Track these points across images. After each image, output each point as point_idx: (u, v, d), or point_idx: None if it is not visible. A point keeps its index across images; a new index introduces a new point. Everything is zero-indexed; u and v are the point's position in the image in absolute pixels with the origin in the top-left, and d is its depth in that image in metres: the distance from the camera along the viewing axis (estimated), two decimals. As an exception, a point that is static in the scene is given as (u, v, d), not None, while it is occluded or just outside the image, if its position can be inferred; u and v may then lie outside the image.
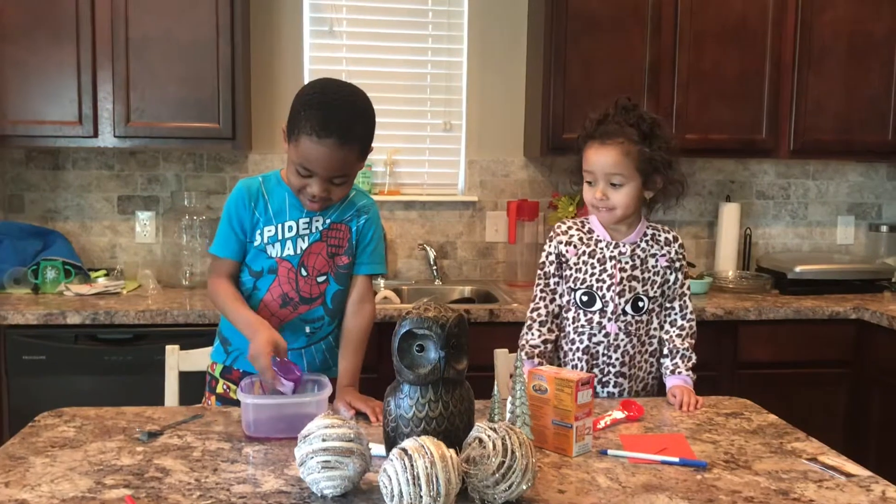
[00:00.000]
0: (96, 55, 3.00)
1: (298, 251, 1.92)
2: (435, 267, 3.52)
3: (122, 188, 3.43)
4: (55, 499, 1.29)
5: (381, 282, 3.43)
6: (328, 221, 1.94)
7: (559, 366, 2.08)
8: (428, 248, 3.53)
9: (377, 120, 1.90)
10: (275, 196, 1.92)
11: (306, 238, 1.92)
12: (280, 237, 1.91)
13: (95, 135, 3.04)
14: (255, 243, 1.91)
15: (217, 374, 2.02)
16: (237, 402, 1.74)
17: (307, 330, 1.96)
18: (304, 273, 1.93)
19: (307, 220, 1.92)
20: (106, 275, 3.24)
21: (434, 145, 3.61)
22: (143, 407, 1.79)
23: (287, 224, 1.91)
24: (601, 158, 1.97)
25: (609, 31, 3.22)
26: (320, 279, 1.95)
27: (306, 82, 1.94)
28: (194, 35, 3.03)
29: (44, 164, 3.38)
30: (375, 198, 3.43)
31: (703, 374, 3.07)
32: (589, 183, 2.02)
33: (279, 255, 1.91)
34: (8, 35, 2.96)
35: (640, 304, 2.04)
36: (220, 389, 2.01)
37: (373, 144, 1.88)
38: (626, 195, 1.97)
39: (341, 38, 3.50)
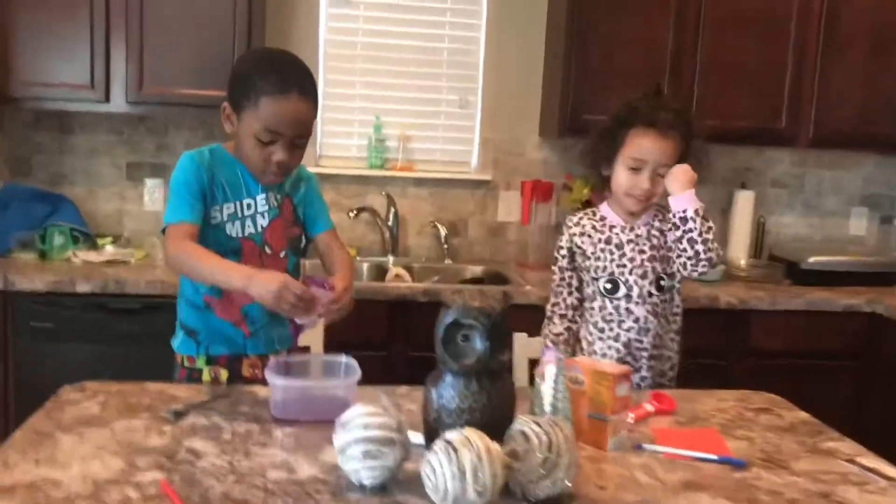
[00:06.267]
0: (110, 16, 2.93)
1: (259, 229, 1.87)
2: (446, 246, 3.49)
3: (130, 154, 3.37)
4: (89, 480, 1.26)
5: (391, 258, 3.40)
6: (280, 196, 1.91)
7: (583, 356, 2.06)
8: (439, 226, 3.49)
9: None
10: (227, 172, 1.85)
11: (266, 215, 1.88)
12: (240, 215, 1.85)
13: (107, 100, 2.98)
14: (214, 220, 1.83)
15: (199, 365, 1.92)
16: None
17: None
18: (268, 251, 1.89)
19: (264, 196, 1.87)
20: (113, 242, 3.19)
21: (448, 122, 3.55)
22: (165, 384, 1.76)
23: (245, 202, 1.86)
24: (659, 150, 1.95)
25: (632, 14, 3.17)
26: (282, 255, 1.92)
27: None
28: (211, 1, 2.96)
29: (52, 127, 3.31)
30: (387, 173, 3.45)
31: (713, 363, 3.06)
32: (633, 170, 1.98)
33: (241, 235, 1.85)
34: (20, -6, 2.88)
35: (662, 283, 2.04)
36: (207, 377, 1.90)
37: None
38: (663, 184, 1.96)
39: (358, 9, 3.43)
